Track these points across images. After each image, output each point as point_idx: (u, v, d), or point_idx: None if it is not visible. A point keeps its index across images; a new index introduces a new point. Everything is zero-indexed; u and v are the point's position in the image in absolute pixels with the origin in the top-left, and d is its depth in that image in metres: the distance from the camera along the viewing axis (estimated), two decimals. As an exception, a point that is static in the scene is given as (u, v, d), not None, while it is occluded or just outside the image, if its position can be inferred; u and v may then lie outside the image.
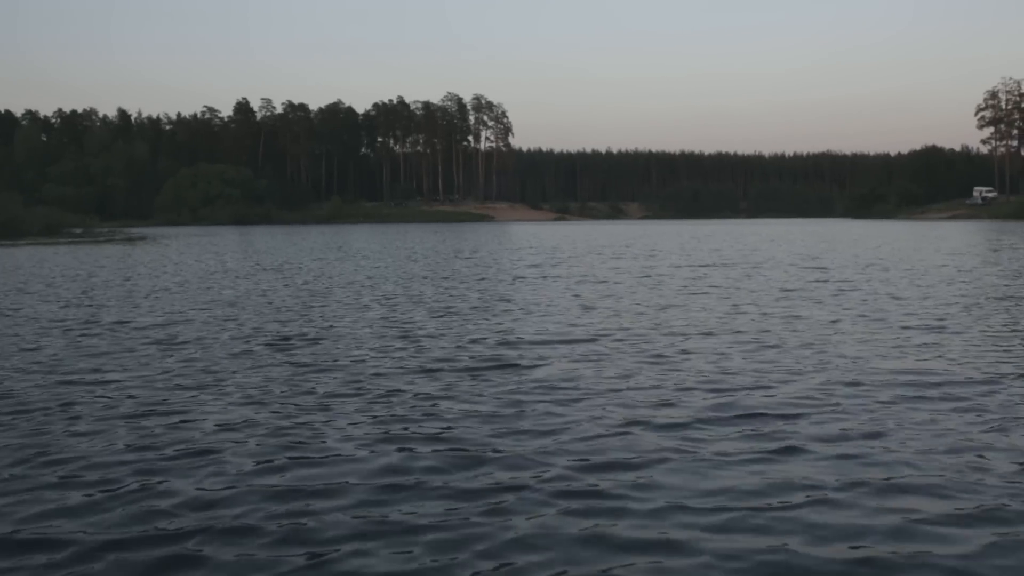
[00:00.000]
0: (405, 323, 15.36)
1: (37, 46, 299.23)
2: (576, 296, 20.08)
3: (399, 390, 9.45)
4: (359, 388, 9.62)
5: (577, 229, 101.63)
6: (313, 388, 9.63)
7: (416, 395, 9.21)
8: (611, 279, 25.31)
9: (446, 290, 22.06)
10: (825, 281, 23.81)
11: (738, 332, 13.79)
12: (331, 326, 15.00)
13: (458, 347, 12.41)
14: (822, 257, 35.84)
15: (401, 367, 10.84)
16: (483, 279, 25.85)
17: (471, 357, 11.53)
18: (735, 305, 17.88)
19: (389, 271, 29.99)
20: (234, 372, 10.63)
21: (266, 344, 12.97)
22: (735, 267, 30.45)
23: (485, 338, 13.29)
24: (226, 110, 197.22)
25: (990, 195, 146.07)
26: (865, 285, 22.36)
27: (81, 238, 67.81)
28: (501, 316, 16.26)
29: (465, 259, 37.42)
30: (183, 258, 39.62)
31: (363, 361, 11.36)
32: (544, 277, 26.38)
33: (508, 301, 19.10)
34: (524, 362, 11.12)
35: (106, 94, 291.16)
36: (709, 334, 13.58)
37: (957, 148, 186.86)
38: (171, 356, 11.85)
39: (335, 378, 10.21)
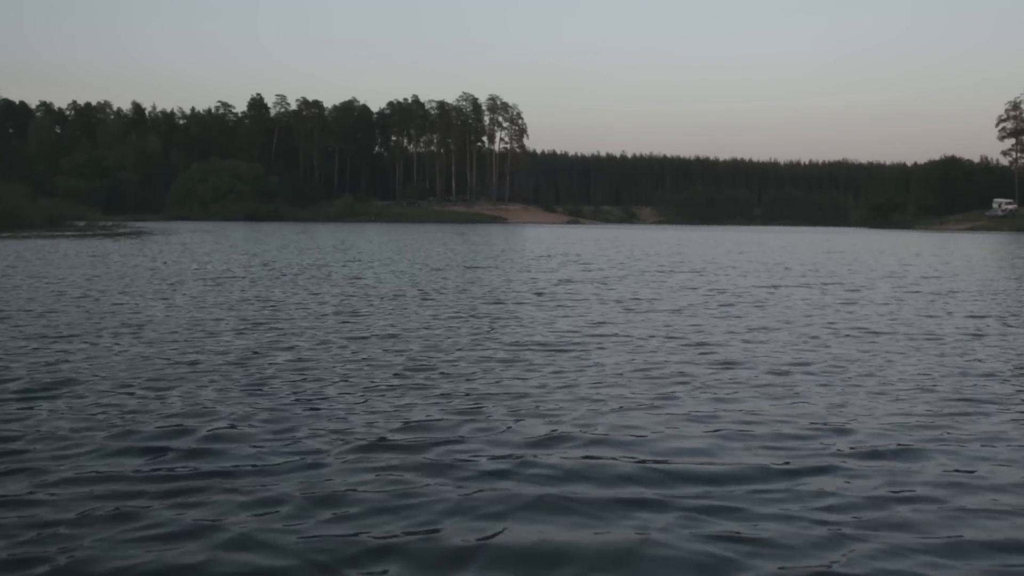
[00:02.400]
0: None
1: (54, 39, 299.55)
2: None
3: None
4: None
5: (596, 233, 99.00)
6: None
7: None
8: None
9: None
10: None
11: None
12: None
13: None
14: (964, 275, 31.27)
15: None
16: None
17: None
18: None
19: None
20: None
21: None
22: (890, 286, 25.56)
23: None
24: (240, 105, 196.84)
25: (1010, 207, 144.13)
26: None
27: (81, 232, 66.32)
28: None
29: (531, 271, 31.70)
30: (160, 258, 36.40)
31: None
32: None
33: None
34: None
35: (121, 88, 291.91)
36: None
37: (976, 159, 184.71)
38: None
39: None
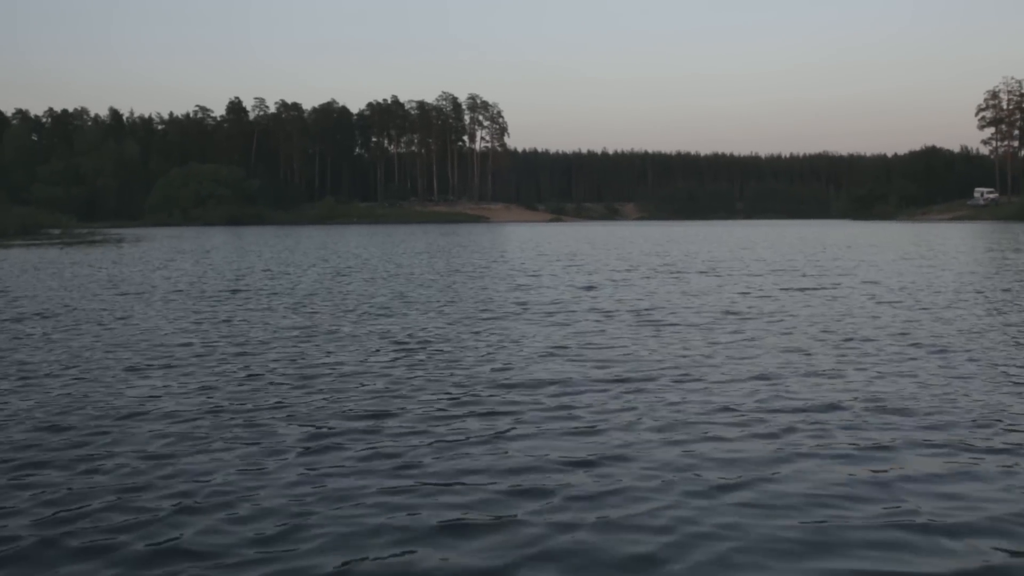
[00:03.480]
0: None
1: (30, 46, 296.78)
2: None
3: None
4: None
5: (585, 232, 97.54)
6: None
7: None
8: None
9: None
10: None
11: None
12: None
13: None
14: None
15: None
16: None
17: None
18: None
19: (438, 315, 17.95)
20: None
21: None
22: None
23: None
24: (219, 109, 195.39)
25: (991, 196, 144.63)
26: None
27: (53, 240, 64.56)
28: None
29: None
30: (117, 269, 33.35)
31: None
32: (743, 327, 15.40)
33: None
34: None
35: (98, 94, 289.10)
36: None
37: (956, 149, 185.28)
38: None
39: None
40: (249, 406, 9.06)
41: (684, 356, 12.05)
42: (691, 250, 46.79)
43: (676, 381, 10.24)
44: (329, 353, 12.56)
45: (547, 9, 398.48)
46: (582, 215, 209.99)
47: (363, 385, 10.20)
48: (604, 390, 9.78)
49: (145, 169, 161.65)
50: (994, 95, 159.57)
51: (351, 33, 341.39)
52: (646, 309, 17.97)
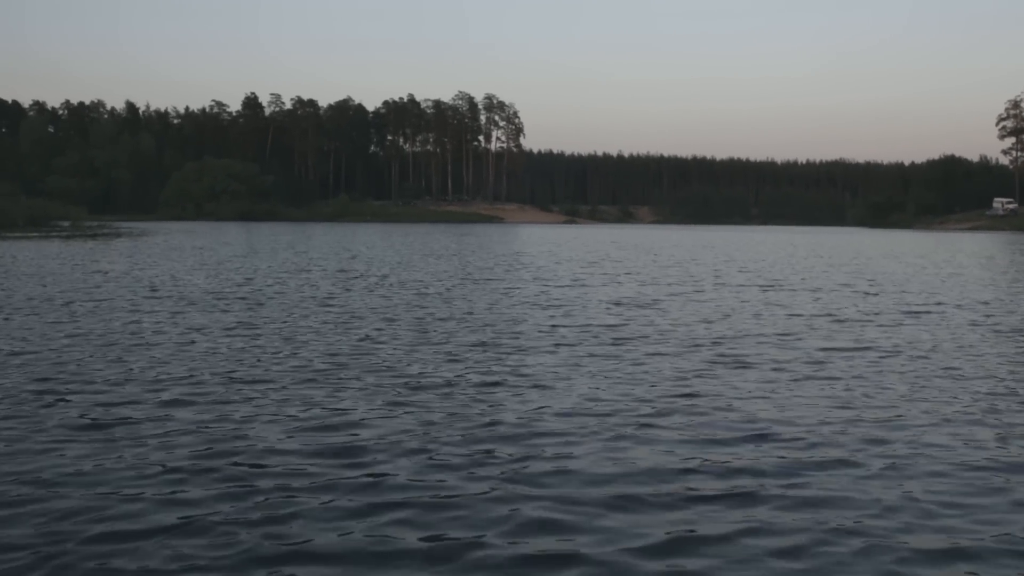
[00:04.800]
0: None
1: (47, 38, 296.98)
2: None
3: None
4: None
5: (606, 234, 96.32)
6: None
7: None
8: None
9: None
10: None
11: None
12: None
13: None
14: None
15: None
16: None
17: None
18: None
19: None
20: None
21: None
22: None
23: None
24: (234, 104, 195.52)
25: (1011, 206, 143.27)
26: None
27: (50, 232, 63.27)
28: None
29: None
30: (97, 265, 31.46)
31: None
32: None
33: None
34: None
35: (115, 87, 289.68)
36: None
37: (975, 158, 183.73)
38: None
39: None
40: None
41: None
42: (734, 255, 45.35)
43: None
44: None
45: (565, 11, 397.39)
46: (596, 217, 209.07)
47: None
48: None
49: (160, 163, 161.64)
50: (1015, 104, 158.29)
51: (368, 31, 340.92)
52: (781, 337, 14.97)
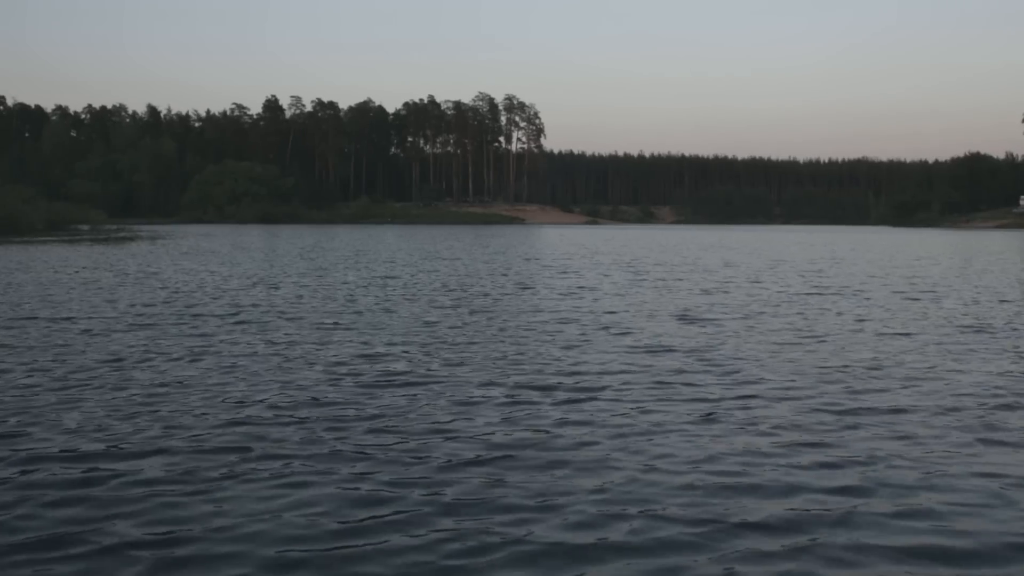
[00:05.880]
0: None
1: (70, 44, 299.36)
2: None
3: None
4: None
5: (630, 235, 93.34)
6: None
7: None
8: None
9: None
10: None
11: None
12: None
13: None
14: None
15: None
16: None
17: None
18: None
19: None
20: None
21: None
22: None
23: None
24: (255, 108, 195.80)
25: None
26: None
27: (65, 237, 62.28)
28: None
29: None
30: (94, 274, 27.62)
31: None
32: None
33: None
34: None
35: (136, 91, 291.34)
36: None
37: (1000, 156, 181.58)
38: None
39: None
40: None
41: None
42: (790, 257, 43.88)
43: None
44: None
45: (585, 11, 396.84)
46: (617, 218, 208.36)
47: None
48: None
49: (181, 166, 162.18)
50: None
51: (388, 33, 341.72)
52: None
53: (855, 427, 8.24)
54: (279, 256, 39.76)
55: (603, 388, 9.89)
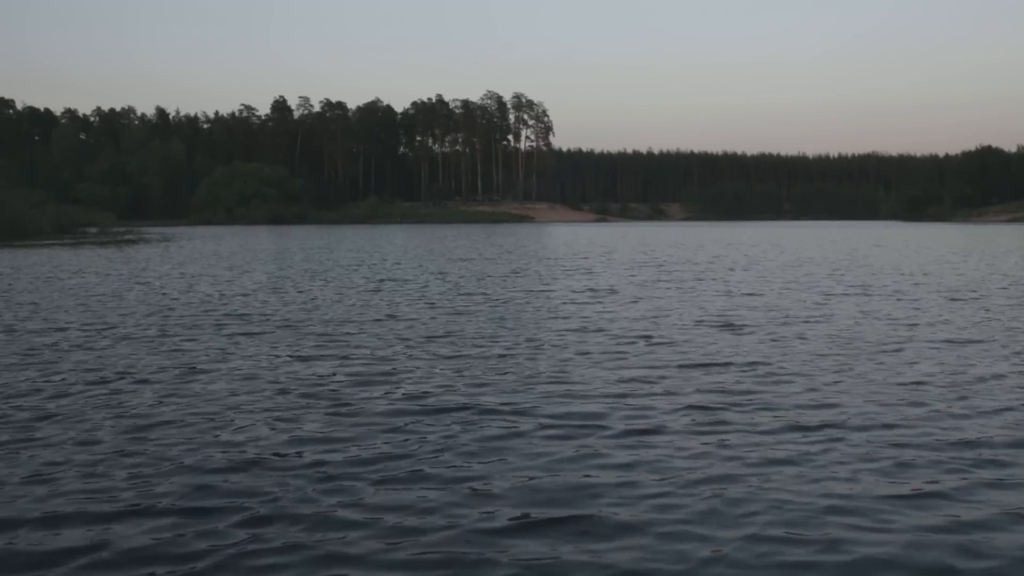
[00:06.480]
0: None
1: (78, 46, 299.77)
2: None
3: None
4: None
5: (643, 232, 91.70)
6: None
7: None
8: None
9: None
10: None
11: None
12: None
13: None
14: None
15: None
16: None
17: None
18: None
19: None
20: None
21: None
22: None
23: None
24: (263, 108, 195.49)
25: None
26: None
27: (70, 240, 60.83)
28: None
29: None
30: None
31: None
32: None
33: None
34: None
35: (145, 93, 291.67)
36: None
37: (1012, 149, 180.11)
38: None
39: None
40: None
41: None
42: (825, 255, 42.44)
43: None
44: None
45: (593, 8, 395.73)
46: (627, 215, 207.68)
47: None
48: None
49: (190, 168, 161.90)
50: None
51: (396, 33, 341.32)
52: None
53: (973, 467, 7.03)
54: (319, 263, 38.89)
55: (658, 421, 8.51)
